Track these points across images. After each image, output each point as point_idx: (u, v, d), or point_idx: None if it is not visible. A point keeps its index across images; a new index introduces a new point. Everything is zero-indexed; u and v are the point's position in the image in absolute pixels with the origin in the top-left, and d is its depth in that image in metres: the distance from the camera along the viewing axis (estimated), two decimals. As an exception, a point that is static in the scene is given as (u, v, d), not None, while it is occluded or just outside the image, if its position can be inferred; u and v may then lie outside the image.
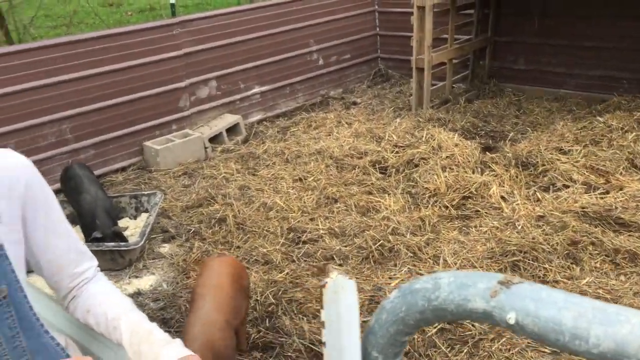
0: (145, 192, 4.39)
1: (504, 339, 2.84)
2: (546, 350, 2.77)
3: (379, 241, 3.66)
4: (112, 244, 3.62)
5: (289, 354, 2.91)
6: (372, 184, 4.46)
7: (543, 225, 3.66)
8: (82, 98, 4.80)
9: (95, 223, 3.63)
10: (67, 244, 1.25)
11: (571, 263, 3.31)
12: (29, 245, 1.20)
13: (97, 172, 4.65)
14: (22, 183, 1.16)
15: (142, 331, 1.17)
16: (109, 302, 1.24)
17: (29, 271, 1.22)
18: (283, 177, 4.70)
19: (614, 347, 0.54)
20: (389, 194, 4.27)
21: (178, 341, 1.16)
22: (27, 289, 1.15)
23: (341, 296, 0.70)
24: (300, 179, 4.65)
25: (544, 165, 4.31)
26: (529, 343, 2.82)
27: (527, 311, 0.60)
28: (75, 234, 1.29)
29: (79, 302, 1.26)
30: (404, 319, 0.69)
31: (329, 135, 5.53)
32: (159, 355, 1.11)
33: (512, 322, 0.61)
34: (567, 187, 4.05)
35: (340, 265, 3.55)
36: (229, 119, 5.74)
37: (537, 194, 4.04)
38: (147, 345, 1.13)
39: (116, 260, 3.68)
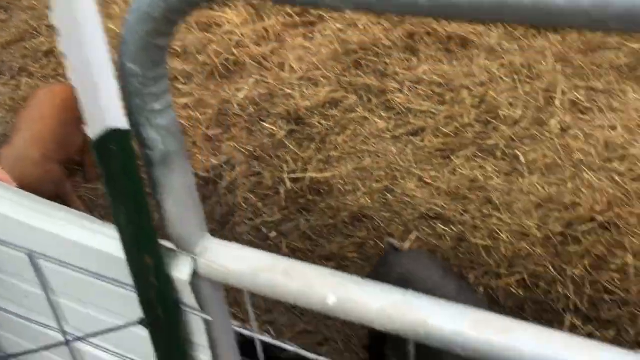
0: (-49, 30, 3.83)
1: (349, 132, 2.96)
2: (387, 135, 2.93)
3: (223, 55, 3.54)
4: None
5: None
6: (212, -1, 4.19)
7: (383, 21, 3.69)
8: None
9: None
10: None
11: (409, 55, 3.42)
12: None
13: None
14: None
15: None
16: None
17: None
18: (115, 1, 4.27)
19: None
20: (230, 7, 4.05)
21: None
22: None
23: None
24: (133, 1, 4.26)
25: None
26: (371, 132, 2.96)
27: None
28: None
29: None
30: (150, 14, 0.62)
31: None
32: None
33: None
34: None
35: (185, 84, 3.42)
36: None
37: (378, -7, 4.02)
38: None
39: None
